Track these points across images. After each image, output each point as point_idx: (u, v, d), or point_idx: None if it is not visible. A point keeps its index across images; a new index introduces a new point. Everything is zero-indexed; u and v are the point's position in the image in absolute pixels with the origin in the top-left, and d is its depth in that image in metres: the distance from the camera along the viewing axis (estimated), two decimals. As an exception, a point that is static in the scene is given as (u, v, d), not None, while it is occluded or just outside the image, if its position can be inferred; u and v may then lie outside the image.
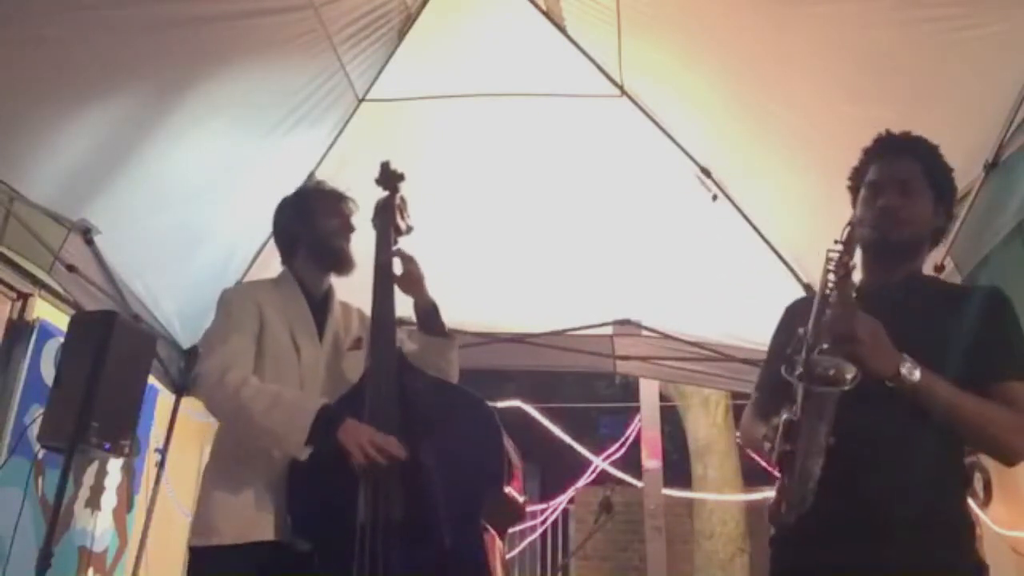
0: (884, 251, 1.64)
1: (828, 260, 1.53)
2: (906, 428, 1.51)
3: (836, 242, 1.53)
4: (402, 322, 2.17)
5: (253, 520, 1.93)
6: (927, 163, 1.71)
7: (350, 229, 2.23)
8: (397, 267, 2.19)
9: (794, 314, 1.82)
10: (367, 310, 2.23)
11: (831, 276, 1.52)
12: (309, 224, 2.22)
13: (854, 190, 1.79)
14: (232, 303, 2.14)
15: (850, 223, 1.55)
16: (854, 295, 1.51)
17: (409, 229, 2.27)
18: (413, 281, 2.18)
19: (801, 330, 1.51)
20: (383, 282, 2.14)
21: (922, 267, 1.78)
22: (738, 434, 1.88)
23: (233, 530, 1.93)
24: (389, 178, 2.28)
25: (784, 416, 1.44)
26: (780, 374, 1.56)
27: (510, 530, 2.44)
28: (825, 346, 1.45)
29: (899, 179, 1.68)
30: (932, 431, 1.53)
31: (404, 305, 2.20)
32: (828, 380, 1.39)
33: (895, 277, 1.66)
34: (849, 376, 1.39)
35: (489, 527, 1.98)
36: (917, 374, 1.45)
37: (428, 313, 2.19)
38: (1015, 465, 1.59)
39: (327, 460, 1.86)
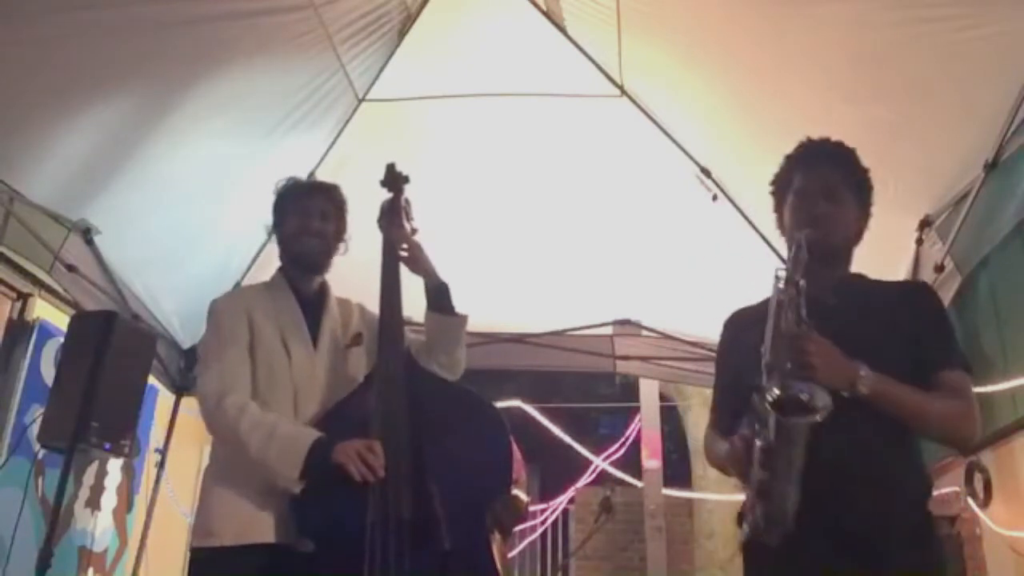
0: (821, 254, 1.64)
1: (777, 279, 1.57)
2: (868, 438, 1.54)
3: (787, 262, 1.57)
4: (408, 322, 2.17)
5: (252, 522, 1.93)
6: (847, 169, 1.77)
7: (309, 229, 2.18)
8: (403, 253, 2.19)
9: (737, 327, 1.89)
10: (368, 306, 2.23)
11: (783, 294, 1.54)
12: (278, 227, 2.24)
13: (778, 197, 1.84)
14: (222, 314, 2.13)
15: (797, 243, 1.57)
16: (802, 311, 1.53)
17: (414, 232, 2.26)
18: (421, 261, 2.17)
19: (763, 350, 1.52)
20: (390, 283, 2.13)
21: (849, 269, 1.81)
22: (705, 454, 1.92)
23: (232, 531, 1.93)
24: (394, 180, 2.28)
25: (757, 443, 1.45)
26: (738, 393, 1.63)
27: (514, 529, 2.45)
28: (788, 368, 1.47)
29: (826, 187, 1.73)
30: (893, 440, 1.59)
31: (410, 306, 2.20)
32: (804, 410, 1.40)
33: (827, 281, 1.67)
34: (823, 405, 1.40)
35: (496, 527, 1.98)
36: (869, 385, 1.50)
37: (439, 291, 2.18)
38: (965, 451, 1.65)
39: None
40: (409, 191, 2.32)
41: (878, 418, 1.53)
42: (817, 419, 1.39)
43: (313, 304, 2.19)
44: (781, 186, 1.83)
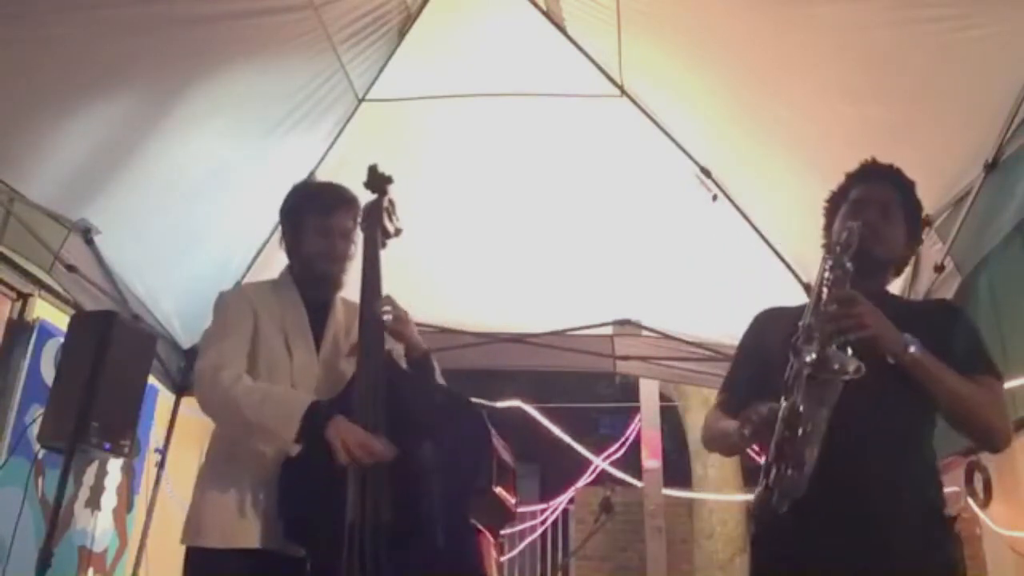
0: (860, 264, 1.66)
1: (825, 259, 1.61)
2: (896, 420, 1.55)
3: (836, 244, 1.60)
4: None
5: (237, 526, 1.93)
6: (905, 193, 1.81)
7: (333, 254, 2.14)
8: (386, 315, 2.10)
9: (768, 323, 1.91)
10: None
11: (829, 273, 1.58)
12: (296, 240, 2.18)
13: (832, 210, 1.87)
14: (227, 306, 2.13)
15: (849, 228, 1.61)
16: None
17: (398, 232, 2.23)
18: (406, 335, 2.09)
19: (802, 322, 1.56)
20: (370, 285, 2.10)
21: (885, 288, 1.85)
22: (702, 434, 1.95)
23: (218, 534, 1.93)
24: (377, 181, 2.23)
25: (784, 403, 1.47)
26: (757, 385, 1.68)
27: (505, 530, 2.44)
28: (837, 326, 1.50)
29: (881, 201, 1.77)
30: (918, 424, 1.63)
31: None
32: (839, 367, 1.43)
33: (861, 293, 1.68)
34: (855, 368, 1.43)
35: (481, 527, 1.98)
36: (918, 348, 1.53)
37: (421, 365, 2.12)
38: (997, 449, 1.67)
39: (317, 463, 1.86)
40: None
41: (902, 411, 1.54)
42: (848, 377, 1.42)
43: (319, 308, 2.17)
44: (836, 200, 1.86)
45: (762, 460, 1.51)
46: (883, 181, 1.80)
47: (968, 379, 1.62)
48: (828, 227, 1.88)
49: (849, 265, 1.57)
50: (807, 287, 3.50)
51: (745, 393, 1.80)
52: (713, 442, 1.92)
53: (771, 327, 1.87)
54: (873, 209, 1.75)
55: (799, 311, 1.90)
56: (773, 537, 1.59)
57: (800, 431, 1.44)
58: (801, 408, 1.44)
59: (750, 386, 1.80)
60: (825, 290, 1.57)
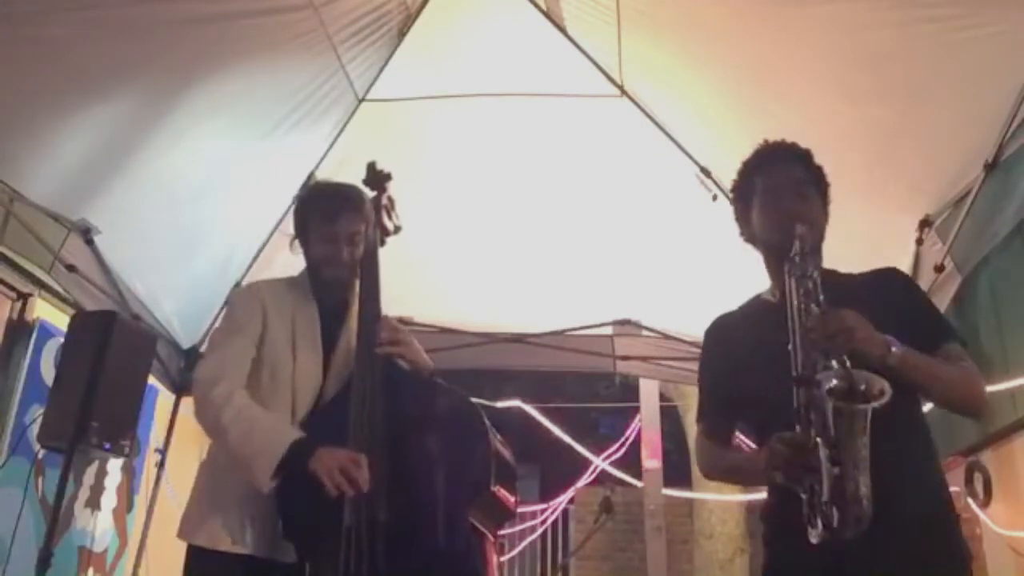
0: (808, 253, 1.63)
1: (789, 273, 1.59)
2: (901, 425, 1.54)
3: (794, 255, 1.58)
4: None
5: (227, 530, 1.93)
6: (807, 166, 1.77)
7: (338, 260, 2.09)
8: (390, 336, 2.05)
9: (721, 332, 1.89)
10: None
11: (797, 286, 1.56)
12: (305, 245, 2.17)
13: (742, 201, 1.83)
14: (237, 305, 2.13)
15: (800, 234, 1.59)
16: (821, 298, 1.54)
17: (397, 229, 2.22)
18: (404, 353, 2.03)
19: (790, 346, 1.52)
20: (369, 284, 2.10)
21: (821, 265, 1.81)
22: (699, 465, 1.91)
23: (206, 535, 1.94)
24: (376, 178, 2.23)
25: (817, 440, 1.42)
26: (732, 395, 1.68)
27: (505, 530, 2.43)
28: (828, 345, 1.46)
29: (792, 182, 1.73)
30: (916, 415, 1.62)
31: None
32: (867, 396, 1.38)
33: None
34: (881, 389, 1.38)
35: (480, 527, 1.97)
36: (900, 350, 1.50)
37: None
38: (978, 416, 1.66)
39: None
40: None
41: (899, 403, 1.53)
42: (882, 402, 1.37)
43: (334, 312, 2.15)
44: (743, 193, 1.82)
45: (803, 496, 1.44)
46: (785, 161, 1.76)
47: (936, 353, 1.60)
48: (742, 219, 1.84)
49: (815, 273, 1.54)
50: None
51: (722, 412, 1.81)
52: (716, 475, 1.90)
53: (728, 335, 1.84)
54: (788, 194, 1.71)
55: (745, 310, 1.90)
56: (786, 535, 1.58)
57: (849, 463, 1.38)
58: (841, 439, 1.38)
59: (729, 405, 1.79)
60: (802, 306, 1.53)
